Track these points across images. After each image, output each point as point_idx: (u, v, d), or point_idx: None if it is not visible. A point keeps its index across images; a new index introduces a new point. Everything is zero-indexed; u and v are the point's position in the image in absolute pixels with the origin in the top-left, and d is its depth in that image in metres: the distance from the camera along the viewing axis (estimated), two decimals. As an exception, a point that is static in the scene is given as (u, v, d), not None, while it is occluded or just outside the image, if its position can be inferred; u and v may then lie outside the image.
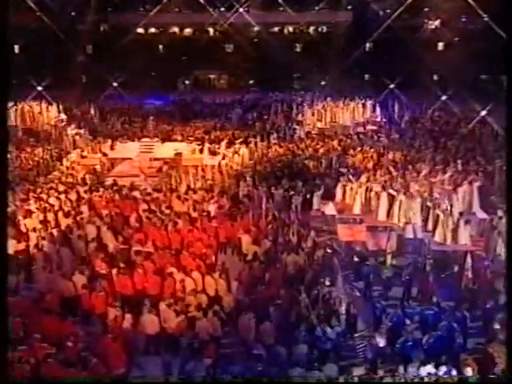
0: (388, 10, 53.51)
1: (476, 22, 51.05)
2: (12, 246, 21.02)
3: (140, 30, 60.52)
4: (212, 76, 63.60)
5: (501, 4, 33.59)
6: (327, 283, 19.05)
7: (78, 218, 23.66)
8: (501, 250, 21.11)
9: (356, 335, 17.40)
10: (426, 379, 14.57)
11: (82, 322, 17.22)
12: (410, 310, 17.51)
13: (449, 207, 23.89)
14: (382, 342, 16.24)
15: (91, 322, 17.40)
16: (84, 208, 24.89)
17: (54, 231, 22.50)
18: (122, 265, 19.61)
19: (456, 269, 20.60)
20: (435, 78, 51.65)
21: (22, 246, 21.48)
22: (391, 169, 29.30)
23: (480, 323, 17.67)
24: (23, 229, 22.84)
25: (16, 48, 50.75)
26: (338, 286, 19.54)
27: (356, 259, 21.33)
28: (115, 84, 50.75)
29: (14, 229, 22.32)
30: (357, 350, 16.79)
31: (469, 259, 19.78)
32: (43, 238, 21.95)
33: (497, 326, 16.69)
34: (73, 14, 57.14)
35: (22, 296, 18.44)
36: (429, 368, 14.66)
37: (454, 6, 50.77)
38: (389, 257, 21.15)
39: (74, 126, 40.82)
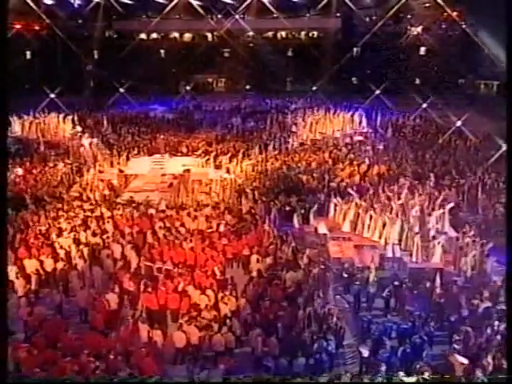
0: (374, 17, 56.55)
1: (455, 29, 53.85)
2: (49, 266, 22.91)
3: (142, 36, 62.80)
4: (210, 79, 65.96)
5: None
6: (321, 298, 20.94)
7: (104, 237, 24.91)
8: (467, 266, 23.31)
9: (345, 344, 19.52)
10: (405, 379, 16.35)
11: (118, 337, 18.92)
12: (390, 323, 19.79)
13: (423, 228, 25.83)
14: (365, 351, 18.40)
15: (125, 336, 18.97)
16: (108, 226, 26.21)
17: (85, 250, 23.75)
18: (148, 282, 21.33)
19: (428, 285, 21.98)
20: (417, 81, 54.14)
21: (59, 264, 22.83)
22: (374, 187, 30.60)
23: (444, 334, 19.53)
24: (57, 246, 24.01)
25: (28, 54, 52.50)
26: (330, 299, 21.69)
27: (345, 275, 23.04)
28: (122, 90, 51.61)
29: (49, 247, 23.84)
30: (346, 358, 19.13)
31: (438, 276, 21.83)
32: (79, 257, 23.35)
33: (458, 337, 18.43)
34: (80, 21, 58.98)
35: (64, 312, 20.84)
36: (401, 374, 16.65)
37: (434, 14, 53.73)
38: (371, 273, 22.41)
39: (87, 136, 41.42)
